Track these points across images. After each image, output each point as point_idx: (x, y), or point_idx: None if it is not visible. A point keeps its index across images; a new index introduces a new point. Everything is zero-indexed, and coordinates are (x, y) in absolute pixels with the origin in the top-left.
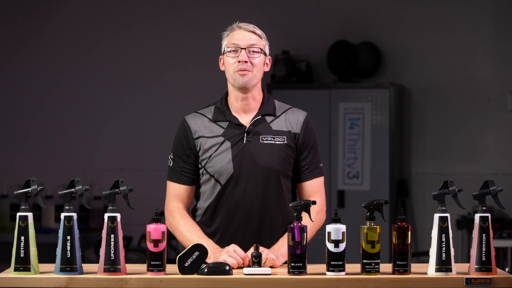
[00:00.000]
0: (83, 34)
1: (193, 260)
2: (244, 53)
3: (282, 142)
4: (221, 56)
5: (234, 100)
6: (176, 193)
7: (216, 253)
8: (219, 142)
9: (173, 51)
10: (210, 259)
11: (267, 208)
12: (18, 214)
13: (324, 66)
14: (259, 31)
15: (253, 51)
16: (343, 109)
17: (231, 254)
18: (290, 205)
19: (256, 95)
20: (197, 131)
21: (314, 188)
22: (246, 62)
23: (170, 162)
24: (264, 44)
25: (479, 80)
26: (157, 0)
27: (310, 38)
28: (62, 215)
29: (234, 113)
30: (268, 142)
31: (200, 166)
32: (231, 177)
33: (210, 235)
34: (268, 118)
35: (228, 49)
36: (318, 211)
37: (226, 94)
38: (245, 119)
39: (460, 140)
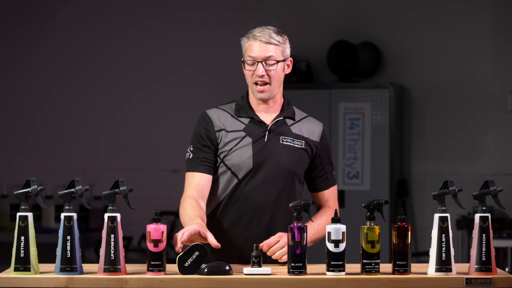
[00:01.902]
0: (84, 34)
1: (193, 260)
2: (261, 66)
3: (300, 146)
4: (243, 58)
5: (256, 103)
6: (195, 183)
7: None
8: (240, 136)
9: (174, 52)
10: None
11: (279, 207)
12: (18, 214)
13: (324, 66)
14: (275, 39)
15: (270, 64)
16: (343, 109)
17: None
18: (290, 205)
19: (278, 99)
20: (219, 124)
21: (331, 196)
22: (263, 75)
23: (190, 155)
24: (282, 50)
25: (479, 80)
26: (159, 0)
27: (310, 38)
28: (62, 215)
29: (256, 112)
30: (288, 143)
31: (218, 159)
32: (249, 172)
33: (220, 230)
34: (289, 121)
35: (246, 61)
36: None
37: (247, 93)
38: (267, 118)
39: (460, 140)
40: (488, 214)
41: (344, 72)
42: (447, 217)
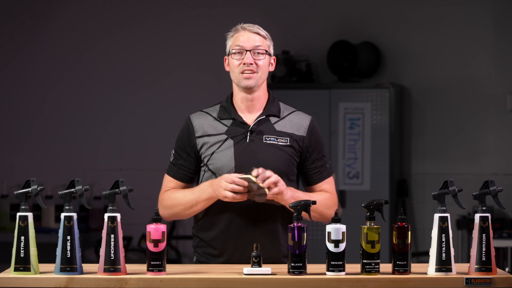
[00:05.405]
0: (84, 34)
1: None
2: (249, 55)
3: (285, 143)
4: (226, 57)
5: (239, 101)
6: (170, 186)
7: (214, 186)
8: (222, 139)
9: (174, 52)
10: (212, 190)
11: (268, 207)
12: (18, 214)
13: (324, 66)
14: (263, 32)
15: (258, 53)
16: (343, 109)
17: (228, 186)
18: (289, 205)
19: (261, 96)
20: (200, 130)
21: (327, 187)
22: (251, 64)
23: (171, 157)
24: (268, 44)
25: (479, 80)
26: (159, 0)
27: (310, 38)
28: (62, 215)
29: (239, 112)
30: (271, 142)
31: (202, 163)
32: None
33: (212, 236)
34: (272, 119)
35: (233, 51)
36: (331, 202)
37: (232, 94)
38: (249, 118)
39: (460, 140)
40: (488, 214)
41: (344, 72)
42: (447, 217)
